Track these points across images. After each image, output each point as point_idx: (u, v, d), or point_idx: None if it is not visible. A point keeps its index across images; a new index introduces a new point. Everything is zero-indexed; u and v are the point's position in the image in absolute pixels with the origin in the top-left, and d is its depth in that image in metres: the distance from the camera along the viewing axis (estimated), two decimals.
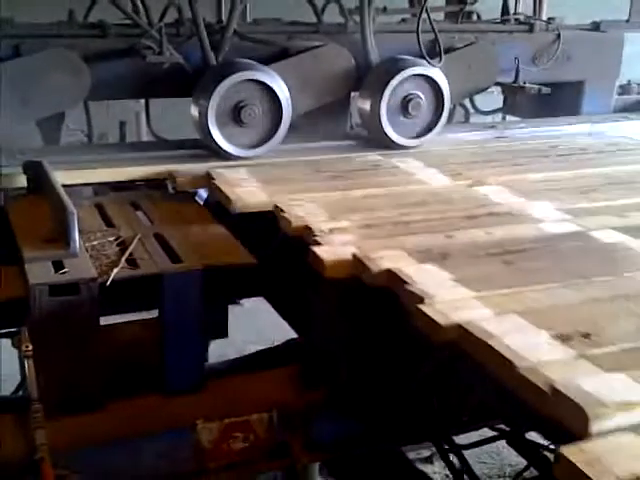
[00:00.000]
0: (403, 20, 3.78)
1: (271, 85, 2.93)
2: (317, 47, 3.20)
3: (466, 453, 2.98)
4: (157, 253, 2.26)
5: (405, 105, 3.19)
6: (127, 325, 2.35)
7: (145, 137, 4.86)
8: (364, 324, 2.24)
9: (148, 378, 2.21)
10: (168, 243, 2.35)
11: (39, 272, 2.03)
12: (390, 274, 1.89)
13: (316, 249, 2.06)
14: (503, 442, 3.18)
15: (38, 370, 1.94)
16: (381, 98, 3.14)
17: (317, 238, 2.15)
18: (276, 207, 2.42)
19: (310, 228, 2.22)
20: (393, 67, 3.18)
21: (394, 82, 3.13)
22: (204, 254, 2.26)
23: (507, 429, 2.94)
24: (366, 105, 3.22)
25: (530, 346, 1.48)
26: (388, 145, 3.25)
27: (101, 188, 2.95)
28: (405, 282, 1.82)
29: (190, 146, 3.11)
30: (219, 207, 2.82)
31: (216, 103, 2.87)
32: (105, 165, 2.89)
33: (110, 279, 2.05)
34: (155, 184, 3.01)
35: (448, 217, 2.39)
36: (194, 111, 2.95)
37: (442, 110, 3.27)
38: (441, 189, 2.75)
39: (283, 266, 2.69)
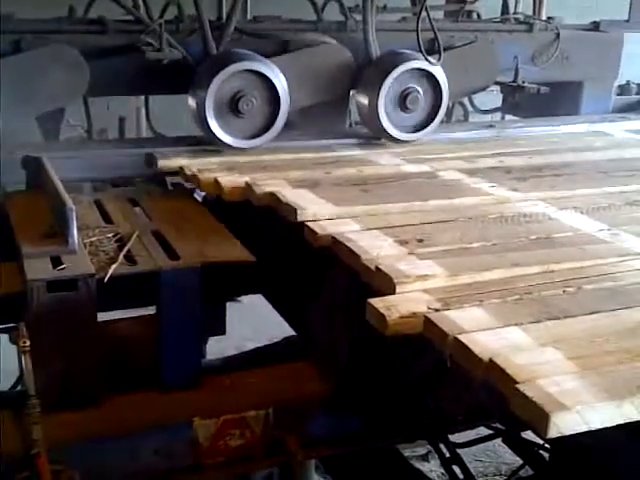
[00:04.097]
0: (403, 18, 3.78)
1: (269, 76, 2.92)
2: (316, 44, 3.19)
3: (462, 451, 2.99)
4: (155, 250, 2.27)
5: (403, 99, 3.18)
6: (124, 321, 2.35)
7: (145, 133, 4.84)
8: (362, 323, 2.25)
9: (145, 374, 2.21)
10: (166, 240, 2.35)
11: (37, 268, 2.03)
12: (271, 196, 2.45)
13: (220, 179, 2.62)
14: (499, 440, 3.19)
15: (35, 365, 1.94)
16: (379, 91, 3.12)
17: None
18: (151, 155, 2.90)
19: (182, 168, 2.82)
20: (392, 60, 3.16)
21: (393, 75, 3.12)
22: (202, 251, 2.26)
23: (503, 428, 2.95)
24: (364, 99, 3.21)
25: (375, 247, 2.02)
26: (385, 139, 3.25)
27: (100, 184, 2.95)
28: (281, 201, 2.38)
29: (188, 142, 3.11)
30: (218, 204, 2.83)
31: (214, 93, 2.86)
32: (105, 160, 2.89)
33: (108, 275, 2.05)
34: (153, 180, 3.02)
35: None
36: (191, 102, 2.95)
37: (440, 105, 3.26)
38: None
39: (281, 263, 2.70)
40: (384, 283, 1.81)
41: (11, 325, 2.41)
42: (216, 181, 2.62)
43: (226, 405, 2.20)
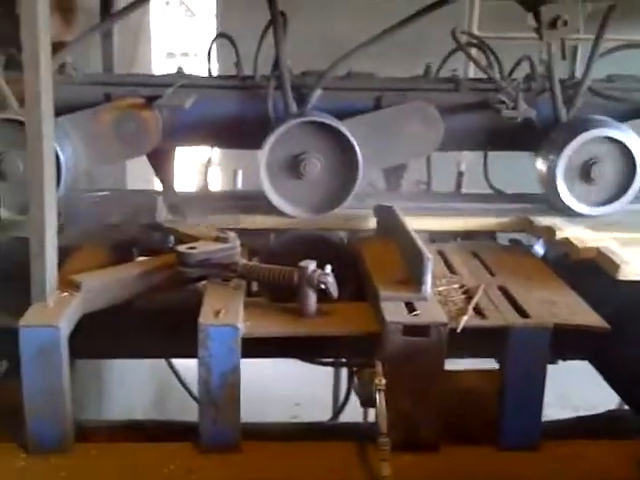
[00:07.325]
0: None
1: (626, 143, 2.83)
2: None
3: None
4: (503, 305, 2.27)
5: None
6: (466, 372, 2.38)
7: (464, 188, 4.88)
8: None
9: (483, 428, 2.21)
10: (512, 296, 2.35)
11: (394, 311, 2.14)
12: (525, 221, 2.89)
13: None
14: None
15: (386, 404, 2.02)
16: None
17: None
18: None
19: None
20: None
21: None
22: (552, 312, 2.22)
23: None
24: None
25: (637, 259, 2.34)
26: None
27: (439, 235, 3.04)
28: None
29: (529, 200, 3.11)
30: (559, 263, 2.77)
31: (566, 159, 2.84)
32: (444, 214, 2.99)
33: (461, 326, 2.10)
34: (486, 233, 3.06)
35: None
36: (540, 165, 2.95)
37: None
38: None
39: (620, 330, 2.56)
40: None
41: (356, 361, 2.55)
42: None
43: (563, 474, 2.12)
